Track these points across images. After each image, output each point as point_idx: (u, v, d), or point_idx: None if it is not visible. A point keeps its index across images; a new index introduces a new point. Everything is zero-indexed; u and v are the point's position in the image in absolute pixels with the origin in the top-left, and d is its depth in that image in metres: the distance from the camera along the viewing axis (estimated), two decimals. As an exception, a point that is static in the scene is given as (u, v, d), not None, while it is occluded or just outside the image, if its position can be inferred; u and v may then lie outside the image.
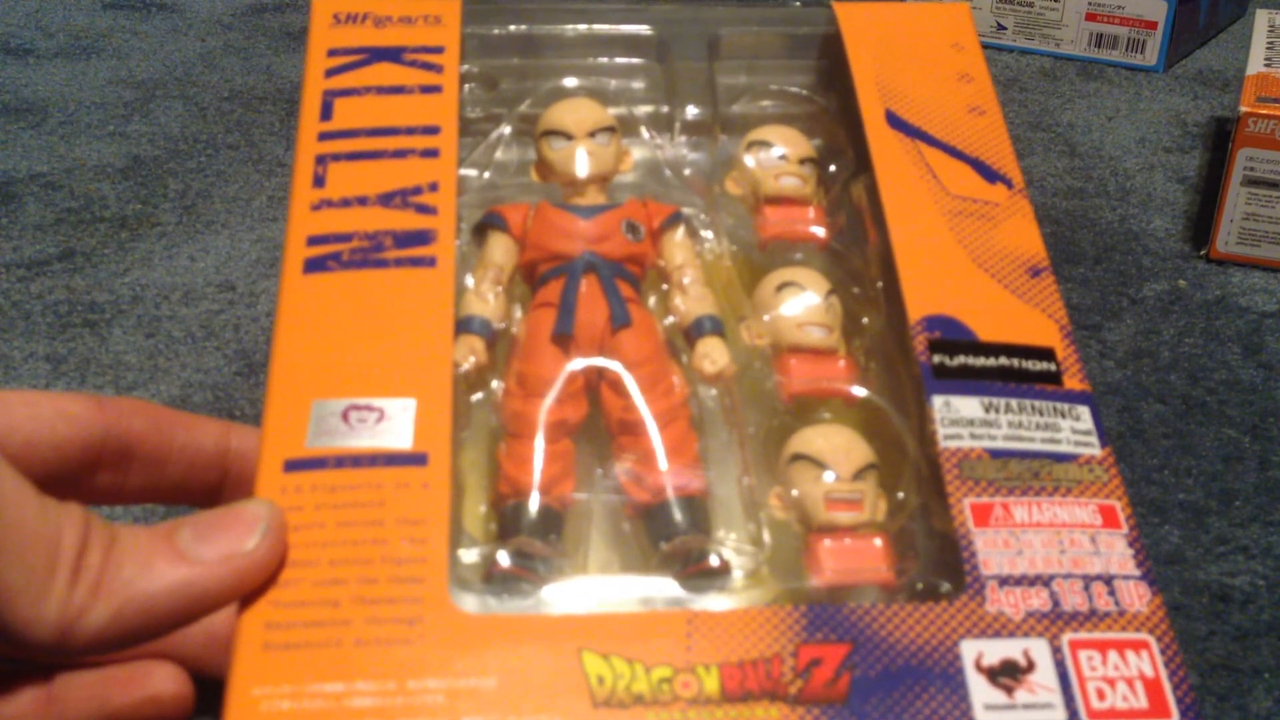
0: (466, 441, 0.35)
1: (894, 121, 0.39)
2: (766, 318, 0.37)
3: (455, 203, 0.36)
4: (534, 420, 0.34)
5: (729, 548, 0.33)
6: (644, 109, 0.43)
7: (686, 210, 0.40)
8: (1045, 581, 0.30)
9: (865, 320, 0.37)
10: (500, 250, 0.38)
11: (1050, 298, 0.36)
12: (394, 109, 0.38)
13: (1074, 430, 0.33)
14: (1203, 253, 0.68)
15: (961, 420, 0.33)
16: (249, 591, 0.29)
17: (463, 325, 0.36)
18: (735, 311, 0.38)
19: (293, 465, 0.30)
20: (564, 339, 0.35)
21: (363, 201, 0.36)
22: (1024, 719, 0.28)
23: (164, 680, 0.35)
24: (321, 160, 0.37)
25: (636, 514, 0.34)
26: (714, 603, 0.31)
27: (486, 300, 0.37)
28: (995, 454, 0.33)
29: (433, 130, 0.37)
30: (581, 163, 0.39)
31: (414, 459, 0.31)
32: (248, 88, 0.88)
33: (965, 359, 0.34)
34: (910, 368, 0.35)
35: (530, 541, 0.33)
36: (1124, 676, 0.29)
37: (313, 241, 0.35)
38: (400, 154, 0.37)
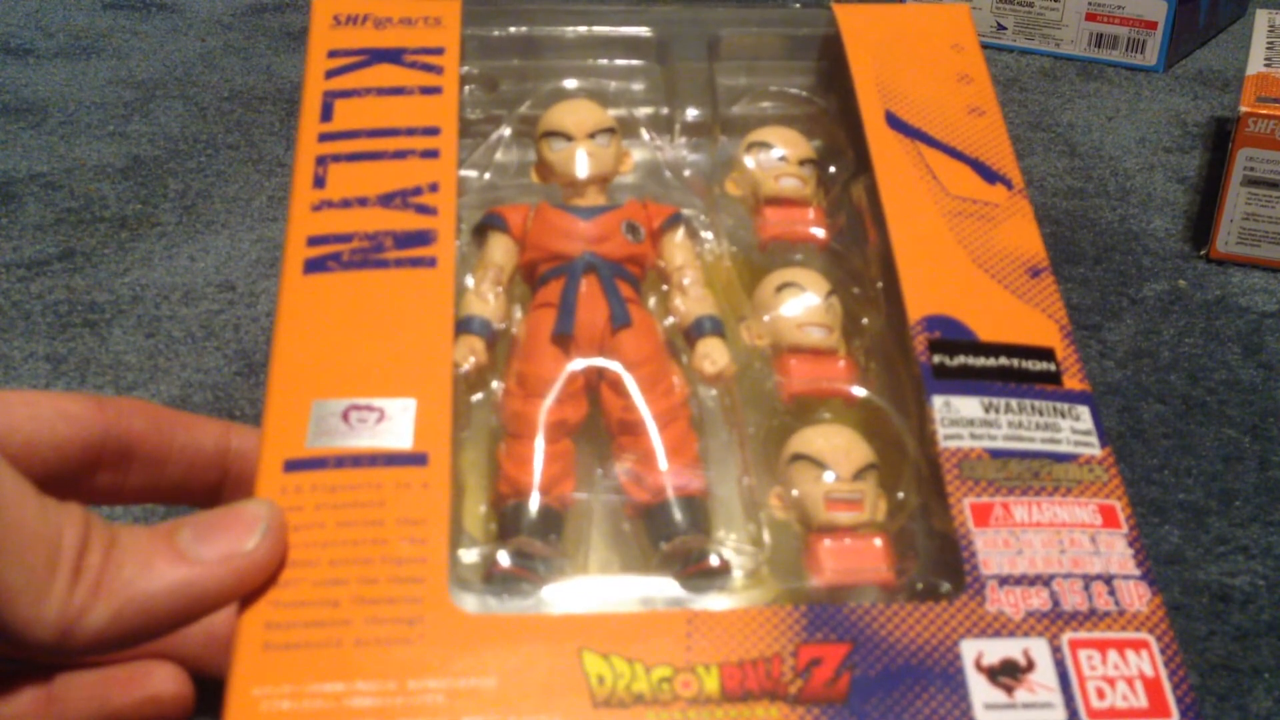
0: (467, 441, 0.35)
1: (894, 122, 0.39)
2: (766, 318, 0.37)
3: (455, 203, 0.36)
4: (534, 420, 0.34)
5: (729, 548, 0.33)
6: (644, 110, 0.43)
7: (686, 211, 0.40)
8: (1045, 581, 0.30)
9: (865, 320, 0.37)
10: (500, 251, 0.38)
11: (1050, 298, 0.36)
12: (394, 110, 0.38)
13: (1074, 430, 0.33)
14: (1203, 253, 0.68)
15: (961, 420, 0.33)
16: (249, 591, 0.29)
17: (463, 325, 0.36)
18: (735, 312, 0.38)
19: (293, 465, 0.30)
20: (564, 339, 0.36)
21: (363, 202, 0.36)
22: (1024, 718, 0.28)
23: (164, 680, 0.36)
24: (322, 161, 0.37)
25: (636, 514, 0.34)
26: (714, 602, 0.31)
27: (487, 300, 0.37)
28: (995, 454, 0.33)
29: (433, 131, 0.37)
30: (581, 164, 0.39)
31: (414, 459, 0.31)
32: (248, 88, 0.88)
33: (965, 359, 0.34)
34: (910, 368, 0.35)
35: (530, 541, 0.33)
36: (1124, 676, 0.29)
37: (313, 242, 0.35)
38: (400, 155, 0.37)
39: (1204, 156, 0.81)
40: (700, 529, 0.33)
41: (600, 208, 0.38)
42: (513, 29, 0.43)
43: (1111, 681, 0.29)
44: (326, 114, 0.38)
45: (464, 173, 0.40)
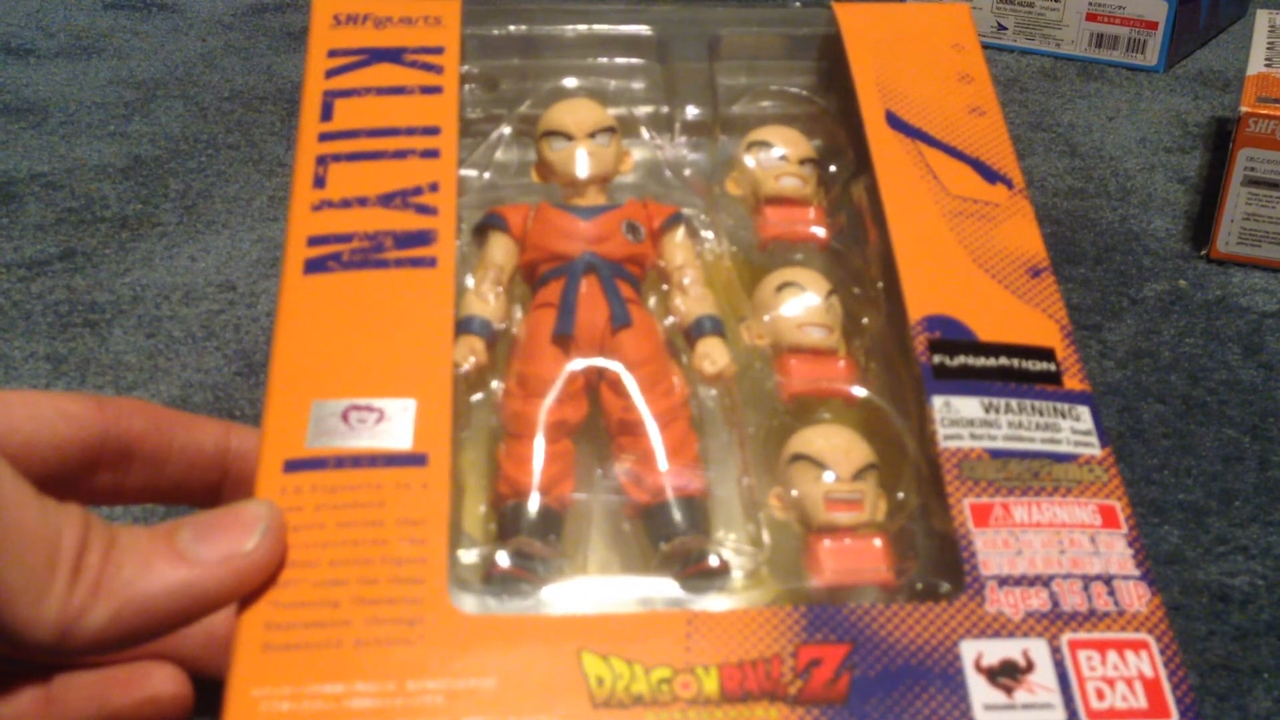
0: (466, 442, 0.35)
1: (894, 122, 0.39)
2: (767, 318, 0.37)
3: (455, 203, 0.36)
4: (534, 420, 0.34)
5: (729, 548, 0.33)
6: (644, 109, 0.43)
7: (687, 211, 0.40)
8: (1045, 582, 0.30)
9: (865, 320, 0.37)
10: (500, 251, 0.38)
11: (1050, 298, 0.36)
12: (394, 110, 0.38)
13: (1074, 430, 0.33)
14: (1203, 253, 0.68)
15: (961, 420, 0.33)
16: (248, 592, 0.29)
17: (463, 326, 0.36)
18: (735, 312, 0.38)
19: (293, 465, 0.30)
20: (564, 339, 0.35)
21: (363, 202, 0.36)
22: (1023, 719, 0.28)
23: (163, 681, 0.35)
24: (322, 161, 0.37)
25: (636, 514, 0.34)
26: (713, 603, 0.31)
27: (487, 301, 0.37)
28: (995, 454, 0.33)
29: (433, 131, 0.37)
30: (582, 163, 0.39)
31: (414, 459, 0.31)
32: (248, 88, 0.88)
33: (965, 359, 0.34)
34: (910, 368, 0.35)
35: (530, 542, 0.33)
36: (1123, 676, 0.29)
37: (313, 242, 0.35)
38: (400, 155, 0.37)
39: (1204, 157, 0.81)
40: (700, 529, 0.33)
41: (600, 207, 0.38)
42: (513, 28, 0.43)
43: (1111, 682, 0.29)
44: (326, 113, 0.38)
45: (464, 172, 0.40)
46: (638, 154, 0.42)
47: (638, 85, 0.44)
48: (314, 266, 0.34)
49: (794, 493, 0.33)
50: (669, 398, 0.35)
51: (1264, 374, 0.58)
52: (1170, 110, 0.88)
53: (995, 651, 0.29)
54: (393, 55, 0.40)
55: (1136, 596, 0.31)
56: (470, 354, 0.35)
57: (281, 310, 0.33)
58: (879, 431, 0.35)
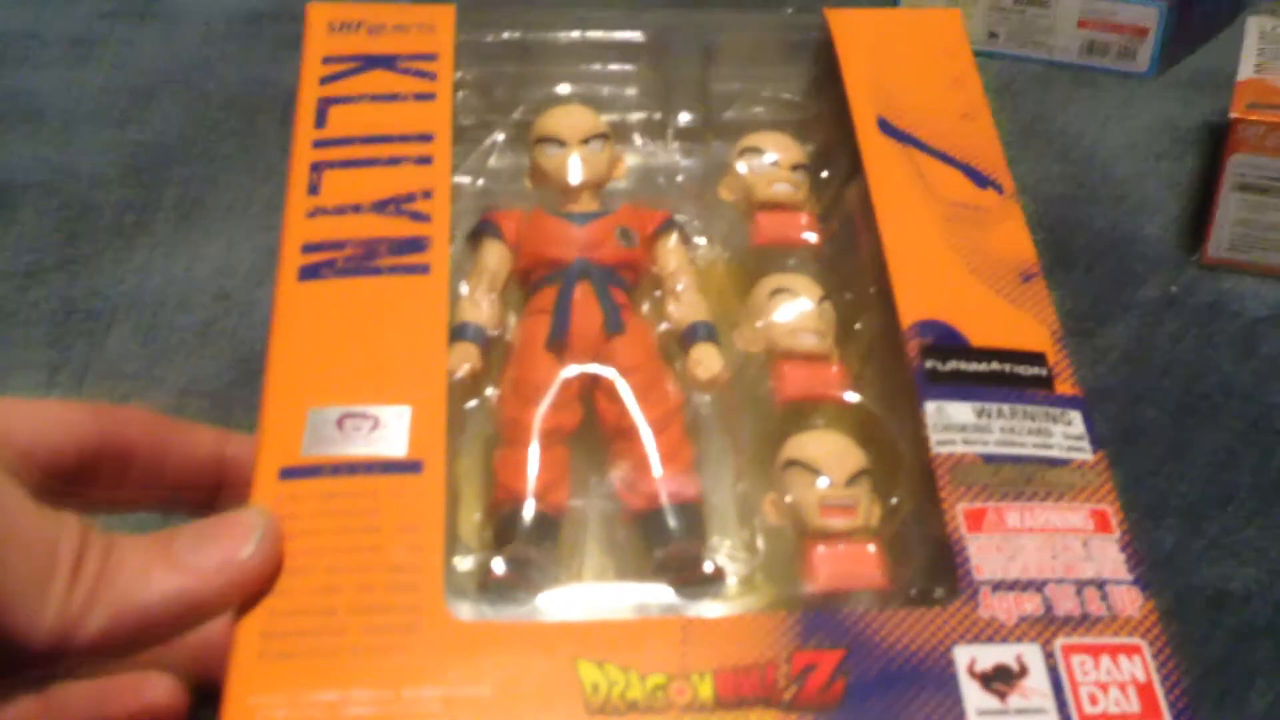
0: (462, 449, 0.35)
1: (886, 127, 0.40)
2: (760, 324, 0.37)
3: (449, 210, 0.36)
4: (529, 427, 0.34)
5: (723, 554, 0.33)
6: (637, 115, 0.43)
7: (680, 217, 0.40)
8: (1038, 586, 0.31)
9: (858, 326, 0.38)
10: (494, 257, 0.38)
11: (1042, 302, 0.36)
12: (388, 116, 0.38)
13: (1066, 435, 0.33)
14: (1195, 258, 0.69)
15: (954, 425, 0.33)
16: (244, 600, 0.29)
17: (457, 332, 0.36)
18: (728, 318, 0.38)
19: (288, 473, 0.31)
20: (558, 345, 0.36)
21: (357, 209, 0.36)
22: (1017, 723, 0.28)
23: (160, 690, 0.36)
24: (316, 167, 0.37)
25: (631, 520, 0.34)
26: (708, 609, 0.31)
27: (481, 307, 0.37)
28: (988, 459, 0.33)
29: (427, 137, 0.38)
30: (575, 169, 0.39)
31: (409, 466, 0.31)
32: (244, 94, 0.88)
33: (958, 364, 0.34)
34: (903, 373, 0.35)
35: (525, 549, 0.33)
36: (1116, 681, 0.29)
37: (308, 249, 0.35)
38: (394, 161, 0.37)
39: (1196, 162, 0.81)
40: (695, 535, 0.33)
41: (594, 213, 0.38)
42: (506, 34, 0.43)
43: (1104, 687, 0.29)
44: (321, 120, 0.38)
45: (458, 179, 0.40)
46: (631, 160, 0.42)
47: (631, 91, 0.44)
48: (309, 273, 0.34)
49: (788, 498, 0.33)
50: (663, 404, 0.35)
51: (1257, 378, 0.59)
52: (1162, 116, 0.88)
53: (989, 656, 0.29)
54: (387, 62, 0.40)
55: (1129, 601, 0.31)
56: (465, 361, 0.35)
57: (276, 317, 0.34)
58: (872, 437, 0.35)
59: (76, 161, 0.77)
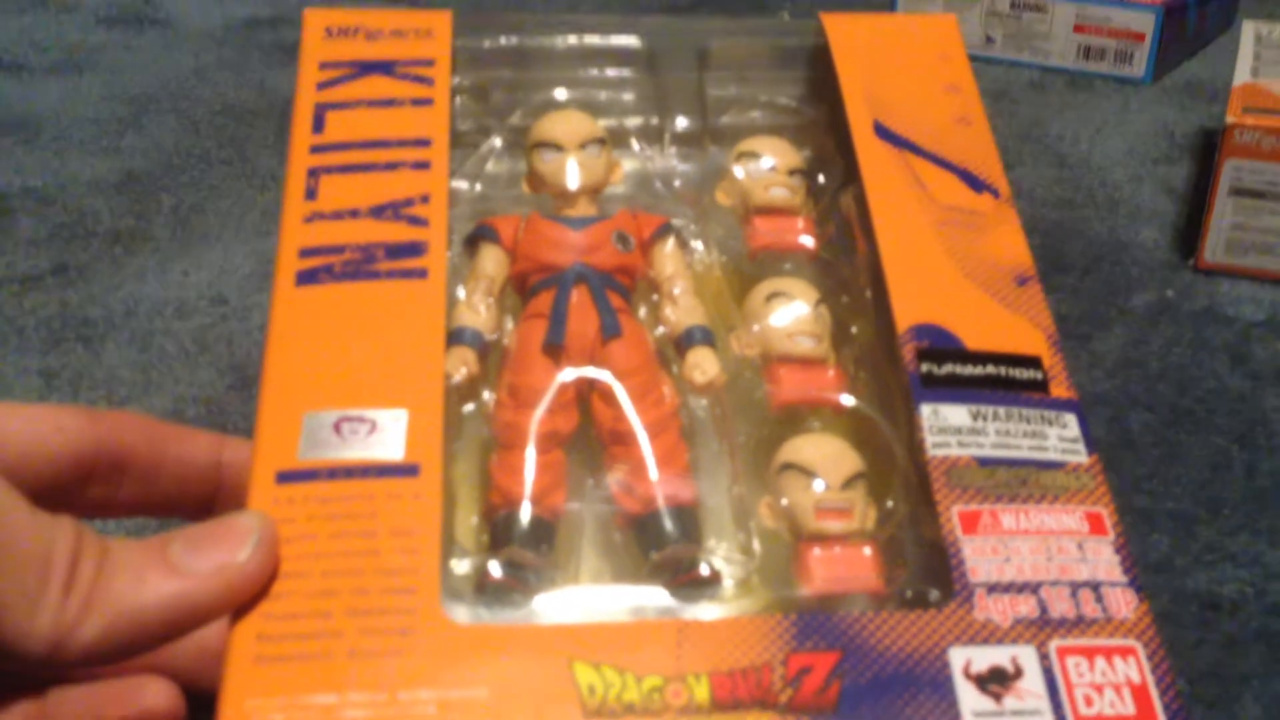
0: (458, 453, 0.35)
1: (882, 132, 0.40)
2: (756, 328, 0.37)
3: (447, 215, 0.36)
4: (525, 431, 0.34)
5: (719, 557, 0.33)
6: (634, 121, 0.44)
7: (676, 221, 0.40)
8: (1033, 588, 0.31)
9: (854, 329, 0.38)
10: (492, 262, 0.38)
11: (1037, 306, 0.36)
12: (385, 122, 0.38)
13: (1061, 438, 0.34)
14: (1191, 263, 0.69)
15: (949, 428, 0.33)
16: (241, 604, 0.29)
17: (454, 337, 0.36)
18: (725, 322, 0.38)
19: (285, 477, 0.31)
20: (555, 349, 0.36)
21: (354, 214, 0.36)
22: (1013, 725, 0.28)
23: (156, 695, 0.35)
24: (314, 173, 0.37)
25: (627, 524, 0.34)
26: (704, 612, 0.31)
27: (478, 312, 0.37)
28: (983, 462, 0.33)
29: (424, 143, 0.38)
30: (572, 174, 0.39)
31: (406, 470, 0.31)
32: (241, 102, 0.88)
33: (953, 367, 0.34)
34: (899, 376, 0.35)
35: (521, 552, 0.33)
36: (1111, 683, 0.29)
37: (305, 254, 0.35)
38: (392, 166, 0.37)
39: (1192, 167, 0.81)
40: (691, 538, 0.33)
41: (591, 218, 0.38)
42: (503, 40, 0.43)
43: (1099, 688, 0.29)
44: (318, 126, 0.38)
45: (455, 184, 0.40)
46: (628, 165, 0.42)
47: (628, 97, 0.44)
48: (306, 278, 0.34)
49: (784, 501, 0.34)
50: (659, 408, 0.35)
51: (1251, 383, 0.59)
52: (1157, 121, 0.88)
53: (984, 658, 0.29)
54: (384, 68, 0.40)
55: (1124, 603, 0.31)
56: (462, 365, 0.35)
57: (273, 322, 0.34)
58: (868, 440, 0.35)
59: (73, 169, 0.77)
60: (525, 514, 0.33)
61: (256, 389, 0.32)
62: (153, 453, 0.35)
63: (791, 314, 0.37)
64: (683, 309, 0.38)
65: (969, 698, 0.29)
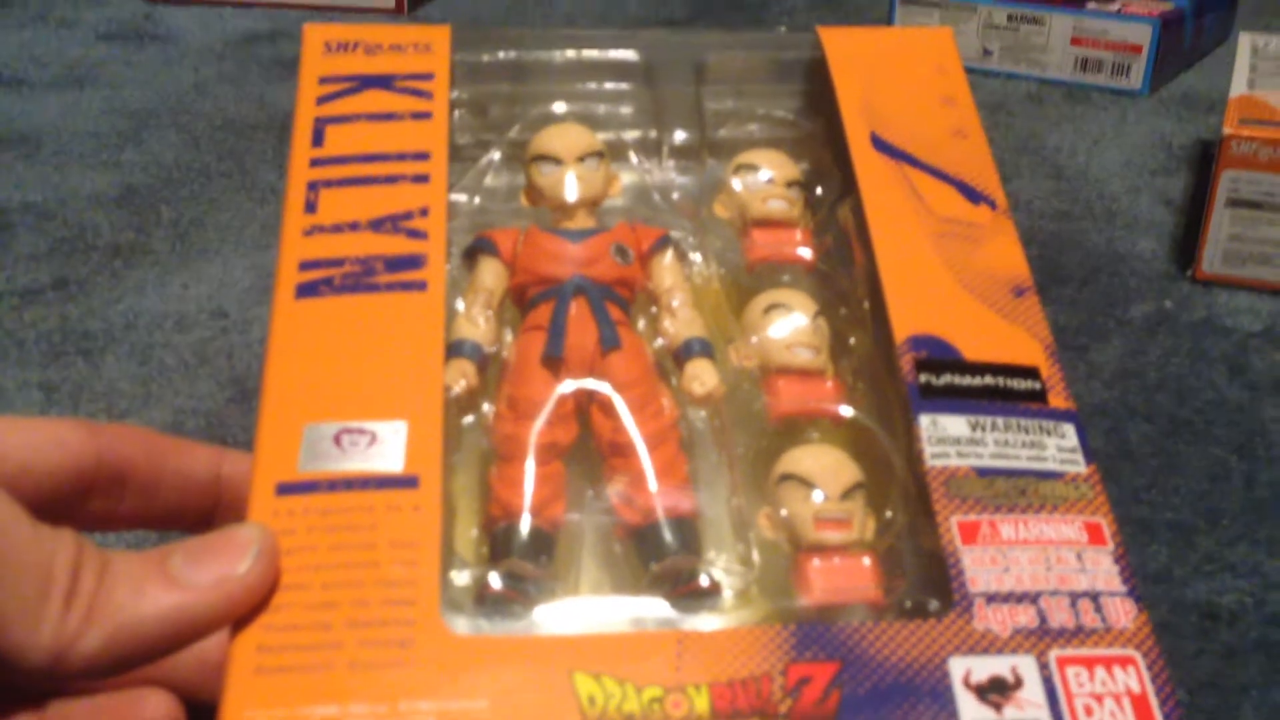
0: (458, 465, 0.35)
1: (879, 144, 0.40)
2: (755, 339, 0.37)
3: (446, 227, 0.36)
4: (525, 442, 0.34)
5: (719, 568, 0.33)
6: (632, 134, 0.44)
7: (675, 234, 0.40)
8: (1032, 598, 0.31)
9: (852, 341, 0.38)
10: (491, 274, 0.38)
11: (1034, 317, 0.36)
12: (385, 135, 0.38)
13: (1059, 448, 0.34)
14: (1188, 274, 0.69)
15: (948, 439, 0.33)
16: (241, 616, 0.29)
17: (454, 349, 0.36)
18: (724, 333, 0.38)
19: (285, 489, 0.31)
20: (554, 362, 0.36)
21: (354, 227, 0.36)
22: (1012, 735, 0.28)
23: (157, 707, 0.35)
24: (313, 186, 0.37)
25: (627, 535, 0.34)
26: (704, 622, 0.31)
27: (477, 324, 0.37)
28: (982, 472, 0.33)
29: (423, 156, 0.38)
30: (571, 187, 0.39)
31: (405, 481, 0.31)
32: (240, 116, 0.88)
33: (951, 378, 0.35)
34: (897, 387, 0.35)
35: (521, 564, 0.33)
36: (1111, 692, 0.29)
37: (305, 266, 0.35)
38: (391, 179, 0.37)
39: (1189, 178, 0.81)
40: (690, 550, 0.33)
41: (589, 231, 0.38)
42: (502, 54, 0.43)
43: (1099, 698, 0.29)
44: (318, 139, 0.38)
45: (454, 197, 0.41)
46: (626, 178, 0.42)
47: (626, 110, 0.44)
48: (306, 291, 0.35)
49: (783, 512, 0.34)
50: (658, 419, 0.35)
51: (1250, 393, 0.59)
52: (1155, 133, 0.88)
53: (984, 668, 0.29)
54: (383, 82, 0.40)
55: (1123, 613, 0.31)
56: (461, 377, 0.35)
57: (273, 334, 0.34)
58: (866, 451, 0.35)
59: (74, 183, 0.77)
60: (525, 525, 0.33)
61: (256, 402, 0.33)
62: (153, 466, 0.36)
63: (790, 325, 0.37)
64: (681, 321, 0.38)
65: (969, 708, 0.29)
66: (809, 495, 0.33)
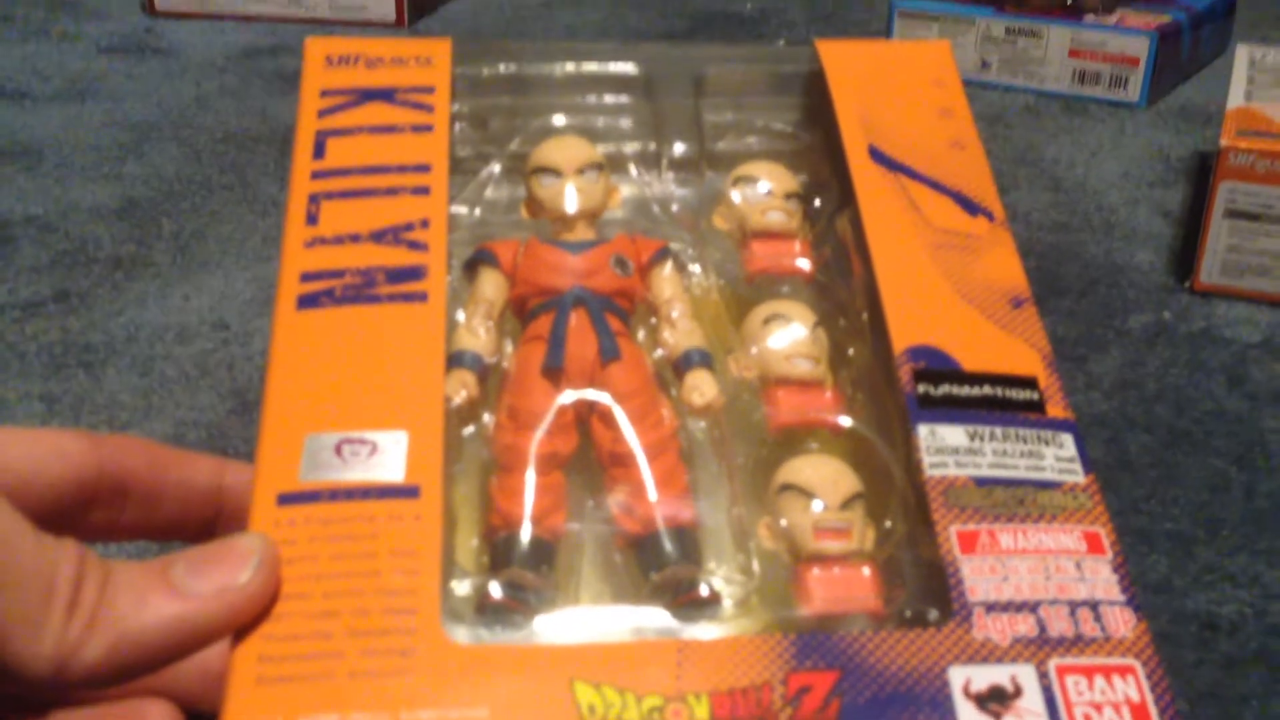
0: (459, 475, 0.35)
1: (877, 156, 0.40)
2: (754, 350, 0.37)
3: (446, 239, 0.36)
4: (525, 453, 0.35)
5: (719, 577, 0.33)
6: (632, 146, 0.44)
7: (674, 245, 0.40)
8: (1032, 608, 0.31)
9: (851, 351, 0.38)
10: (491, 286, 0.38)
11: (1032, 327, 0.37)
12: (386, 148, 0.39)
13: (1058, 458, 0.34)
14: (1187, 285, 0.69)
15: (947, 449, 0.33)
16: (242, 625, 0.29)
17: (454, 360, 0.36)
18: (723, 344, 0.38)
19: (286, 499, 0.31)
20: (554, 372, 0.36)
21: (355, 238, 0.36)
22: (1012, 744, 0.28)
23: (158, 717, 0.35)
24: (315, 198, 0.37)
25: (627, 545, 0.34)
26: (704, 632, 0.31)
27: (478, 335, 0.37)
28: (980, 482, 0.33)
29: (424, 168, 0.38)
30: (570, 199, 0.39)
31: (406, 491, 0.31)
32: (242, 129, 0.89)
33: (950, 388, 0.35)
34: (896, 398, 0.35)
35: (522, 573, 0.33)
36: (1110, 701, 0.29)
37: (306, 278, 0.35)
38: (392, 192, 0.38)
39: (1187, 190, 0.82)
40: (690, 559, 0.34)
41: (589, 242, 0.39)
42: (502, 67, 0.44)
43: (1099, 707, 0.29)
44: (319, 152, 0.38)
45: (455, 209, 0.41)
46: (626, 190, 0.42)
47: (625, 123, 0.44)
48: (307, 302, 0.35)
49: (783, 522, 0.34)
50: (658, 429, 0.35)
51: (1249, 404, 0.59)
52: (1152, 145, 0.89)
53: (983, 677, 0.29)
54: (384, 95, 0.40)
55: (1122, 622, 0.31)
56: (462, 388, 0.36)
57: (275, 345, 0.34)
58: (866, 461, 0.35)
59: (75, 196, 0.77)
60: (525, 535, 0.33)
61: (257, 413, 0.33)
62: (154, 477, 0.36)
63: (789, 336, 0.37)
64: (681, 332, 0.38)
65: (969, 716, 0.29)
66: (809, 505, 0.34)
